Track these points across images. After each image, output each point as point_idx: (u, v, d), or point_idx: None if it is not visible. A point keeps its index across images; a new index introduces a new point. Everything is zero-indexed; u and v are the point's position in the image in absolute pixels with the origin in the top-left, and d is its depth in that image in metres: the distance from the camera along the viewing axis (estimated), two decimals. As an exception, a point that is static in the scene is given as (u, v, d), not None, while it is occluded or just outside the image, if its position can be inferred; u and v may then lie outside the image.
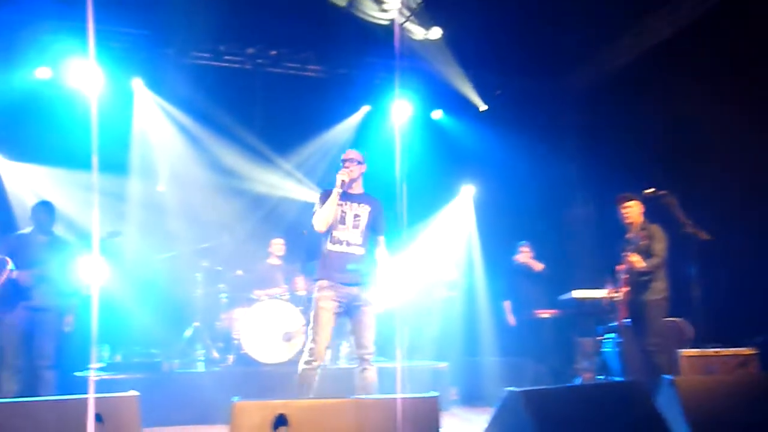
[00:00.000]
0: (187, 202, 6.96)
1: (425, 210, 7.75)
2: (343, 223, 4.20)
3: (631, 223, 5.22)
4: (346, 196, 4.25)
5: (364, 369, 4.14)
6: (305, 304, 6.37)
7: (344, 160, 4.30)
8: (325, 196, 4.20)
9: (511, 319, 6.79)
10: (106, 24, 6.29)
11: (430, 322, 7.06)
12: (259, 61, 7.25)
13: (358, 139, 7.77)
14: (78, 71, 6.44)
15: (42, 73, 6.55)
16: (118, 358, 5.84)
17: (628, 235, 5.21)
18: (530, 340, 6.60)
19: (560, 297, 6.31)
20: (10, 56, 6.35)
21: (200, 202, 7.06)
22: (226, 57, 7.17)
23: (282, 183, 7.55)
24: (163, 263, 6.38)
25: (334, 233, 4.19)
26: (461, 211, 8.14)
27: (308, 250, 6.39)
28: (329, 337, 4.17)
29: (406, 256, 7.17)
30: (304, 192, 7.60)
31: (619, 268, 5.19)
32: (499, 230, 7.64)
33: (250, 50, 7.19)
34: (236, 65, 7.22)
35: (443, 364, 6.23)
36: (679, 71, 6.19)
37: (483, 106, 7.80)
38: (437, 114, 7.99)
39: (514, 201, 7.65)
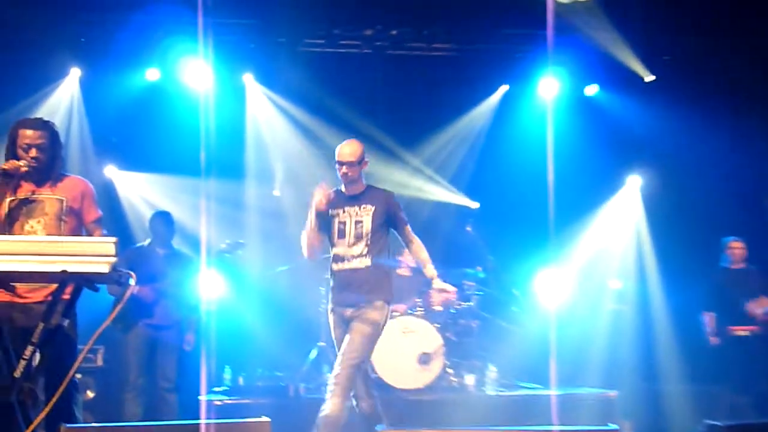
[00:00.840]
0: (306, 206, 7.39)
1: (582, 207, 7.67)
2: (343, 237, 4.22)
3: None
4: (343, 201, 4.27)
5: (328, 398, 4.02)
6: (444, 320, 6.58)
7: (340, 164, 4.26)
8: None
9: (714, 338, 6.52)
10: (214, 16, 6.88)
11: (594, 341, 7.01)
12: (379, 43, 7.55)
13: (496, 125, 7.87)
14: (187, 69, 7.12)
15: (152, 74, 7.31)
16: (241, 381, 6.37)
17: None
18: (727, 363, 6.34)
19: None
20: (119, 60, 7.15)
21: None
22: (342, 41, 7.54)
23: (411, 181, 7.78)
24: (282, 276, 6.84)
25: (334, 251, 4.26)
26: (627, 206, 7.96)
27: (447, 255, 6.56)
28: None
29: (561, 263, 7.20)
30: (437, 190, 7.82)
31: None
32: (677, 228, 7.39)
33: (368, 32, 7.49)
34: (354, 50, 7.57)
35: (613, 393, 6.16)
36: None
37: (649, 77, 7.57)
38: (592, 89, 7.89)
39: (695, 191, 7.36)
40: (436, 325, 6.34)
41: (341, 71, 7.49)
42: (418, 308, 6.51)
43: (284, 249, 7.26)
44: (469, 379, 6.40)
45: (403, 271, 7.11)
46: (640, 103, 7.48)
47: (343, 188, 4.38)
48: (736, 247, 6.60)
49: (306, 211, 7.47)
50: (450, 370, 6.40)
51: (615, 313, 7.20)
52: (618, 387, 6.39)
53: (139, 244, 5.99)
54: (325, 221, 4.30)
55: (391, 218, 4.28)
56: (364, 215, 4.22)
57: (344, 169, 4.23)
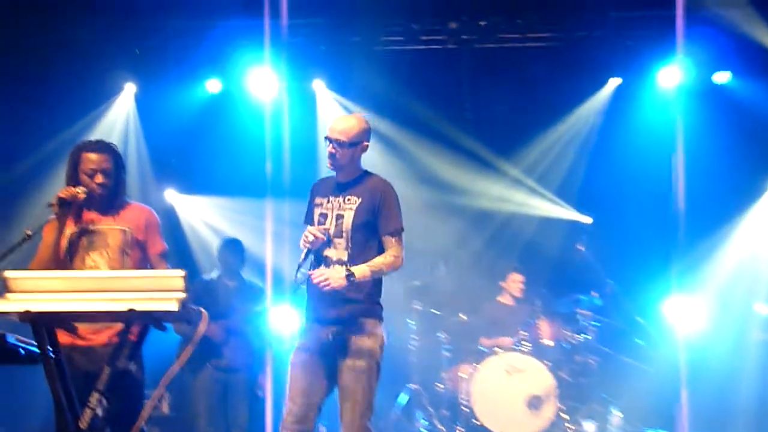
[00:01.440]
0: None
1: (717, 218, 7.37)
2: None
3: None
4: (330, 189, 3.83)
5: None
6: (556, 356, 6.42)
7: (327, 140, 3.78)
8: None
9: None
10: (280, 18, 6.99)
11: (738, 378, 6.73)
12: (466, 36, 7.48)
13: (608, 125, 7.68)
14: (252, 78, 7.25)
15: (212, 86, 7.48)
16: (323, 430, 6.36)
17: None
18: None
19: None
20: (177, 72, 7.36)
21: (405, 224, 7.43)
22: (423, 37, 7.52)
23: (510, 194, 7.70)
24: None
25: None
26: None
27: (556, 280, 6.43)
28: (309, 400, 3.69)
29: (694, 285, 6.92)
30: (542, 204, 7.69)
31: None
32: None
33: (453, 24, 7.44)
34: (437, 46, 7.53)
35: (764, 442, 5.87)
36: None
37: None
38: (722, 77, 7.60)
39: None
40: (546, 362, 6.23)
41: (423, 71, 7.47)
42: (524, 343, 6.40)
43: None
44: (589, 427, 6.29)
45: (505, 299, 7.00)
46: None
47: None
48: None
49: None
50: (565, 416, 6.25)
51: (764, 345, 6.86)
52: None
53: (206, 276, 6.09)
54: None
55: (376, 216, 3.76)
56: (347, 209, 3.75)
57: (330, 147, 3.75)
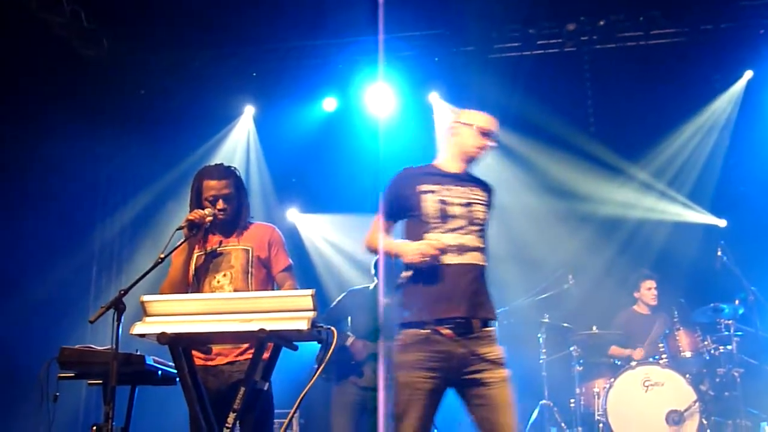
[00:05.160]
0: (514, 239, 7.32)
1: None
2: (447, 220, 3.48)
3: None
4: (440, 177, 3.60)
5: None
6: (696, 368, 6.16)
7: (489, 135, 3.67)
8: None
9: None
10: (392, 32, 7.04)
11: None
12: (585, 37, 7.37)
13: (742, 122, 7.37)
14: (367, 94, 7.35)
15: (329, 104, 7.62)
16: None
17: None
18: None
19: None
20: (294, 92, 7.54)
21: (531, 236, 7.37)
22: (540, 42, 7.44)
23: (639, 199, 7.54)
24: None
25: (431, 234, 3.49)
26: None
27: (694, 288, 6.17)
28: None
29: None
30: (674, 208, 7.47)
31: None
32: None
33: (571, 26, 7.34)
34: (555, 49, 7.44)
35: None
36: None
37: None
38: None
39: None
40: (686, 375, 5.96)
41: (542, 75, 7.38)
42: (661, 355, 6.17)
43: (496, 290, 7.19)
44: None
45: (640, 308, 6.79)
46: None
47: (442, 164, 3.73)
48: None
49: (514, 245, 7.42)
50: (710, 432, 5.96)
51: None
52: None
53: (360, 286, 6.10)
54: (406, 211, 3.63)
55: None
56: (476, 199, 3.59)
57: (490, 141, 3.69)
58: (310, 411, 6.26)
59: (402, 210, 3.62)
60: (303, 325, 2.93)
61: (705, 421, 5.90)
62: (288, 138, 7.63)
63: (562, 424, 6.40)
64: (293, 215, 7.85)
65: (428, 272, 3.44)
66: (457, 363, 3.40)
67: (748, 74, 7.45)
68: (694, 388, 5.91)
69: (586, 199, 7.50)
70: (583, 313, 6.89)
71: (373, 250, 3.62)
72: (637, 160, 7.54)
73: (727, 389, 6.21)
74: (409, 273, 3.50)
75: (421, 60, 7.41)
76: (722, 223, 7.39)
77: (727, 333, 6.30)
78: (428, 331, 3.40)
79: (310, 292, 3.01)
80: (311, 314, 2.97)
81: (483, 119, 3.76)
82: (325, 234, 7.74)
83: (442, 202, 3.55)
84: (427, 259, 3.39)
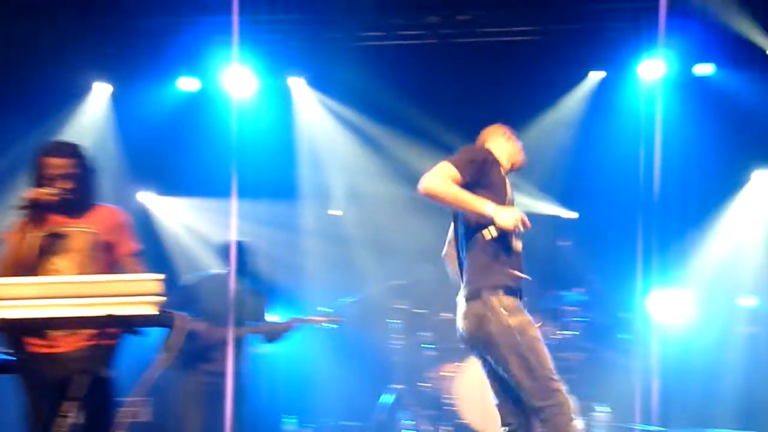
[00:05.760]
0: (371, 227, 7.39)
1: (700, 211, 7.42)
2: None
3: None
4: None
5: None
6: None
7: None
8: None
9: None
10: (254, 14, 6.92)
11: (724, 372, 6.75)
12: (445, 31, 7.48)
13: (590, 119, 7.68)
14: (225, 77, 7.20)
15: (186, 84, 7.42)
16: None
17: None
18: None
19: None
20: (150, 71, 7.30)
21: (389, 225, 7.42)
22: (402, 32, 7.50)
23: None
24: (348, 309, 6.79)
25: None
26: (755, 207, 7.65)
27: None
28: None
29: (678, 279, 6.94)
30: (523, 199, 7.63)
31: None
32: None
33: (433, 19, 7.43)
34: (416, 41, 7.50)
35: (751, 436, 5.91)
36: None
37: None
38: (704, 69, 7.63)
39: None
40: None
41: (403, 66, 7.42)
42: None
43: (349, 277, 7.23)
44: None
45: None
46: (765, 83, 7.18)
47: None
48: None
49: (372, 233, 7.48)
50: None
51: (749, 337, 6.91)
52: (757, 428, 6.10)
53: (213, 271, 5.99)
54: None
55: None
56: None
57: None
58: (161, 400, 6.09)
59: (483, 181, 3.83)
60: (152, 310, 2.86)
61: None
62: (145, 118, 7.37)
63: (414, 408, 6.52)
64: (146, 198, 7.59)
65: (509, 242, 3.77)
66: None
67: (600, 74, 7.72)
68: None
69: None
70: (438, 299, 7.01)
71: (439, 198, 3.76)
72: (492, 153, 7.70)
73: (568, 372, 6.50)
74: (495, 234, 3.69)
75: (284, 44, 7.33)
76: (574, 215, 7.66)
77: (569, 320, 6.61)
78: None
79: (160, 276, 2.94)
80: (159, 299, 2.90)
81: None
82: (181, 217, 7.54)
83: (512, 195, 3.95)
84: (521, 228, 3.66)
